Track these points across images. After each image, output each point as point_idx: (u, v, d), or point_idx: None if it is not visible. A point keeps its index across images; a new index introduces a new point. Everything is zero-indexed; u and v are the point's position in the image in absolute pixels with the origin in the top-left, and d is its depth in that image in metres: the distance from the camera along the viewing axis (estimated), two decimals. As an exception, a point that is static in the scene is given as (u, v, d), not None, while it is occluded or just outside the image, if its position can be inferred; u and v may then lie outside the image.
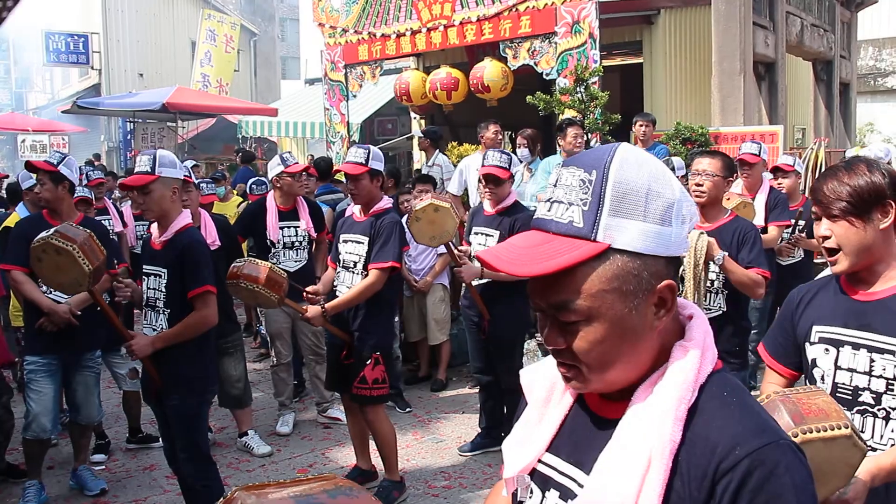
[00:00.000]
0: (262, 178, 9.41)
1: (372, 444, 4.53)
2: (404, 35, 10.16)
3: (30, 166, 4.54)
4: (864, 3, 14.77)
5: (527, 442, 1.24)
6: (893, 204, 2.01)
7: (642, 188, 1.04)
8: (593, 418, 1.18)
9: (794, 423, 1.62)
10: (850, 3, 14.37)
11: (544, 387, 1.25)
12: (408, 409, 5.95)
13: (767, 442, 1.01)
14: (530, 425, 1.25)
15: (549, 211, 1.08)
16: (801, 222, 5.55)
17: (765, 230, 5.15)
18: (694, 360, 1.08)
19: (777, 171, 5.74)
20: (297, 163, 5.55)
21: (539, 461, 1.22)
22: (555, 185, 1.09)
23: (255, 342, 7.98)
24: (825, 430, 1.61)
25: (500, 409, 5.02)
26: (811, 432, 1.60)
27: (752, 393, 1.22)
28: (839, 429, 1.62)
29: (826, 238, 2.05)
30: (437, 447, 5.25)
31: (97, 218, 6.45)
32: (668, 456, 1.03)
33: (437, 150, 7.67)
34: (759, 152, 5.53)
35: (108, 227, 6.89)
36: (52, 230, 3.41)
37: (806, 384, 2.20)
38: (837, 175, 2.04)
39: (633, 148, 1.09)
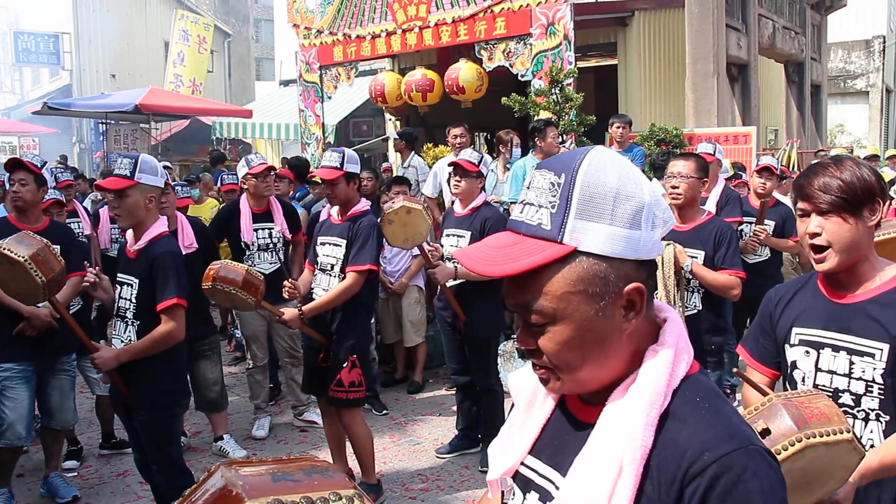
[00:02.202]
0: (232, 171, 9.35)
1: (349, 448, 4.50)
2: (379, 36, 10.14)
3: (16, 163, 4.33)
4: (834, 7, 15.01)
5: (510, 445, 1.25)
6: (880, 202, 2.01)
7: (610, 191, 1.05)
8: (572, 421, 1.18)
9: (798, 428, 1.61)
10: (821, 7, 14.59)
11: (528, 390, 1.26)
12: (384, 412, 5.93)
13: (736, 447, 1.01)
14: (515, 428, 1.26)
15: (521, 213, 1.10)
16: (771, 222, 5.65)
17: None
18: (666, 364, 1.08)
19: (765, 171, 5.88)
20: (262, 163, 5.46)
21: (522, 464, 1.23)
22: (528, 188, 1.11)
23: (230, 346, 7.91)
24: (828, 435, 1.62)
25: (477, 410, 5.01)
26: (815, 437, 1.60)
27: (735, 396, 1.22)
28: (841, 433, 1.63)
29: (816, 234, 2.00)
30: (414, 449, 5.24)
31: (67, 220, 6.38)
32: (639, 461, 1.03)
33: (413, 152, 7.66)
34: (714, 152, 5.85)
35: (78, 231, 6.80)
36: (5, 240, 3.29)
37: (785, 385, 2.21)
38: (828, 170, 2.00)
39: (605, 151, 1.10)
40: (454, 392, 5.36)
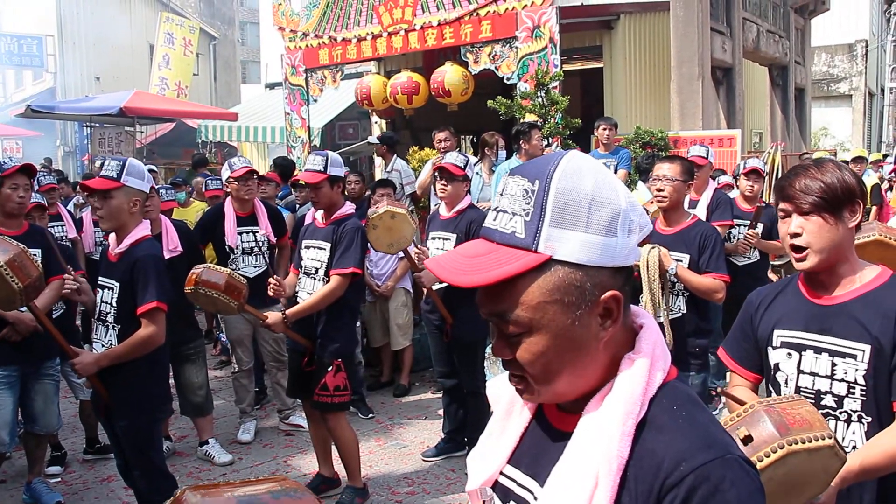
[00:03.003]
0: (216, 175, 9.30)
1: (334, 451, 4.49)
2: (365, 39, 10.12)
3: (25, 169, 4.28)
4: (817, 11, 15.13)
5: (489, 454, 1.23)
6: (861, 204, 2.03)
7: (585, 198, 1.03)
8: (550, 430, 1.17)
9: (780, 434, 1.61)
10: (804, 11, 14.70)
11: (506, 399, 1.24)
12: (370, 415, 5.91)
13: (714, 457, 0.99)
14: (493, 437, 1.24)
15: (494, 220, 1.07)
16: (759, 224, 5.68)
17: None
18: (642, 372, 1.06)
19: (753, 174, 5.93)
20: (244, 167, 5.42)
21: (501, 473, 1.21)
22: (501, 195, 1.08)
23: (216, 349, 7.87)
24: (810, 441, 1.62)
25: (464, 413, 5.01)
26: (797, 443, 1.61)
27: (721, 399, 1.22)
28: (823, 439, 1.63)
29: (796, 235, 2.02)
30: (400, 453, 5.22)
31: (51, 224, 6.33)
32: (615, 472, 1.02)
33: (395, 155, 7.64)
34: (707, 155, 5.93)
35: (62, 234, 6.75)
36: None
37: (768, 388, 2.22)
38: (809, 172, 2.01)
39: (580, 157, 1.08)
40: (440, 395, 5.36)
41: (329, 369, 4.14)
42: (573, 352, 1.06)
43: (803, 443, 1.60)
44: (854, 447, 2.01)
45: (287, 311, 4.16)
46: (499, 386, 1.26)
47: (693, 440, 1.02)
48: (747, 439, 1.57)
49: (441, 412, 5.34)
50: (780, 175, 9.99)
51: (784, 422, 1.63)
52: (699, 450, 1.00)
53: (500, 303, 1.05)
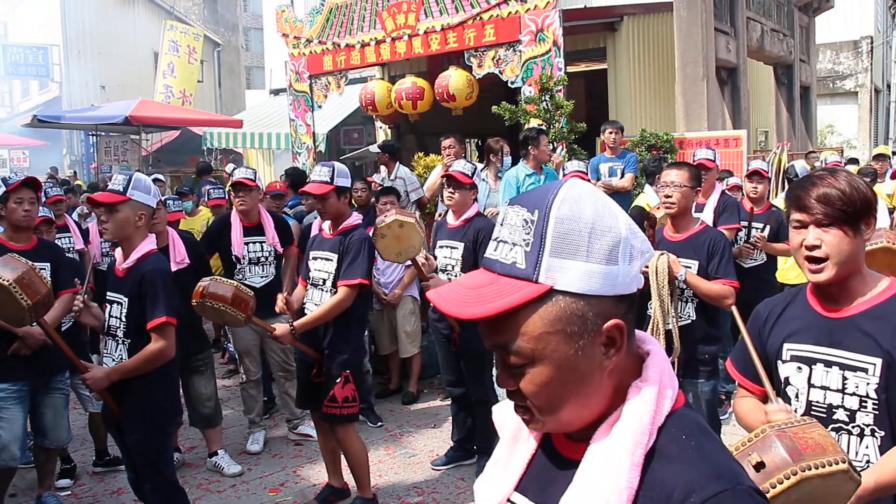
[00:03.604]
0: (219, 184, 9.32)
1: (344, 462, 4.48)
2: (369, 45, 10.14)
3: (30, 182, 4.31)
4: (821, 9, 15.07)
5: (496, 481, 1.22)
6: (875, 216, 1.99)
7: (585, 228, 1.02)
8: (558, 458, 1.16)
9: (793, 460, 1.59)
10: (808, 9, 14.65)
11: (513, 425, 1.23)
12: (379, 424, 5.90)
13: (725, 488, 0.98)
14: (500, 464, 1.23)
15: (495, 251, 1.06)
16: (765, 226, 5.66)
17: None
18: (650, 401, 1.05)
19: (755, 175, 5.90)
20: (240, 178, 5.37)
21: (508, 501, 1.20)
22: (501, 224, 1.07)
23: (224, 358, 7.88)
24: (823, 467, 1.60)
25: (473, 421, 5.00)
26: (810, 469, 1.58)
27: (730, 402, 1.20)
28: (837, 464, 1.61)
29: (815, 247, 1.96)
30: (409, 462, 5.21)
31: (58, 236, 6.34)
32: (624, 503, 1.01)
33: (398, 163, 7.63)
34: (714, 158, 5.88)
35: (69, 246, 6.76)
36: None
37: (778, 401, 2.19)
38: (826, 181, 1.95)
39: (579, 185, 1.06)
40: (449, 402, 5.34)
41: (337, 381, 4.13)
42: (577, 382, 1.05)
43: (816, 468, 1.58)
44: (868, 461, 1.98)
45: (295, 323, 4.15)
46: (504, 411, 1.25)
47: (703, 470, 1.01)
48: (759, 465, 1.55)
49: (450, 419, 5.32)
50: (786, 175, 9.95)
51: (797, 447, 1.61)
52: (709, 480, 0.99)
53: (503, 334, 1.04)
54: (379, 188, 6.71)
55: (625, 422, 1.05)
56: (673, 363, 3.92)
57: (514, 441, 1.22)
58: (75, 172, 20.81)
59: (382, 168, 7.81)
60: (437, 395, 6.53)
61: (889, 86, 26.64)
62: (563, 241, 1.01)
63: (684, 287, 3.92)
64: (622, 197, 7.18)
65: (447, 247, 4.70)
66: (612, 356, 1.05)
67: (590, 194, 1.05)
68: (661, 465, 1.02)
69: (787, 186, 9.96)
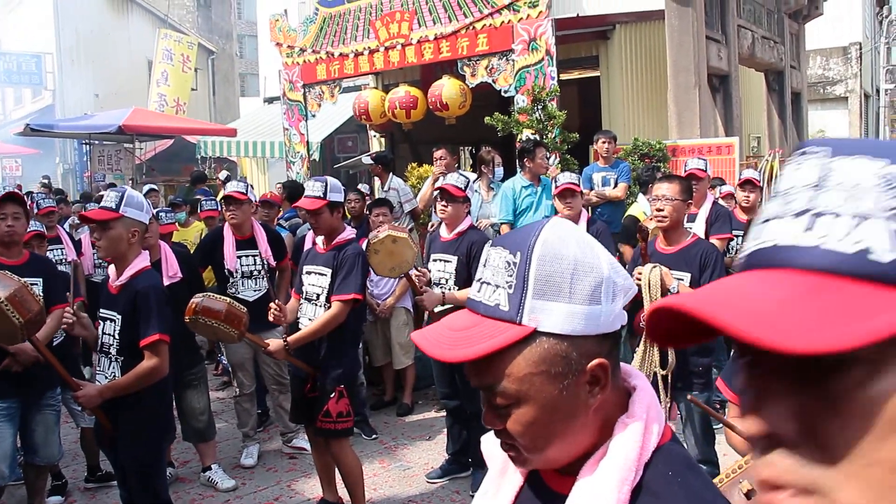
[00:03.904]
0: (211, 195, 9.30)
1: (339, 476, 4.47)
2: (362, 54, 10.14)
3: (9, 197, 4.27)
4: (811, 16, 15.14)
5: None
6: None
7: (567, 269, 1.03)
8: (546, 491, 1.16)
9: None
10: (798, 16, 14.72)
11: (501, 457, 1.22)
12: (374, 436, 5.89)
13: None
14: (488, 496, 1.23)
15: (478, 292, 1.07)
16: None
17: None
18: (636, 437, 1.06)
19: (748, 184, 5.93)
20: (231, 192, 5.39)
21: None
22: (484, 265, 1.08)
23: (217, 370, 7.86)
24: None
25: (468, 434, 4.99)
26: None
27: (725, 411, 1.20)
28: None
29: None
30: (404, 475, 5.20)
31: (50, 248, 6.32)
32: None
33: (391, 174, 7.64)
34: (706, 168, 5.88)
35: (62, 257, 6.73)
36: None
37: None
38: None
39: (560, 225, 1.07)
40: (444, 414, 5.34)
41: (332, 396, 4.13)
42: (563, 421, 1.06)
43: None
44: None
45: (288, 338, 4.15)
46: (493, 443, 1.25)
47: None
48: (750, 493, 1.55)
49: (444, 431, 5.31)
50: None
51: None
52: None
53: (488, 375, 1.05)
54: (372, 200, 6.72)
55: (611, 458, 1.05)
56: (667, 376, 3.94)
57: (503, 473, 1.23)
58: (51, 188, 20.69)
59: (376, 179, 7.82)
60: (432, 407, 6.52)
61: (878, 91, 26.78)
62: (545, 283, 1.02)
63: (677, 300, 3.93)
64: (616, 206, 7.19)
65: (440, 260, 4.70)
66: (597, 394, 1.06)
67: (571, 235, 1.06)
68: (648, 501, 1.03)
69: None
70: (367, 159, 9.52)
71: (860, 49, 22.71)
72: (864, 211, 0.58)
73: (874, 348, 0.54)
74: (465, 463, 5.03)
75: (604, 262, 1.05)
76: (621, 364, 1.14)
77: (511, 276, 1.03)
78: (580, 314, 1.02)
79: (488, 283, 1.06)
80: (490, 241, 1.13)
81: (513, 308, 1.02)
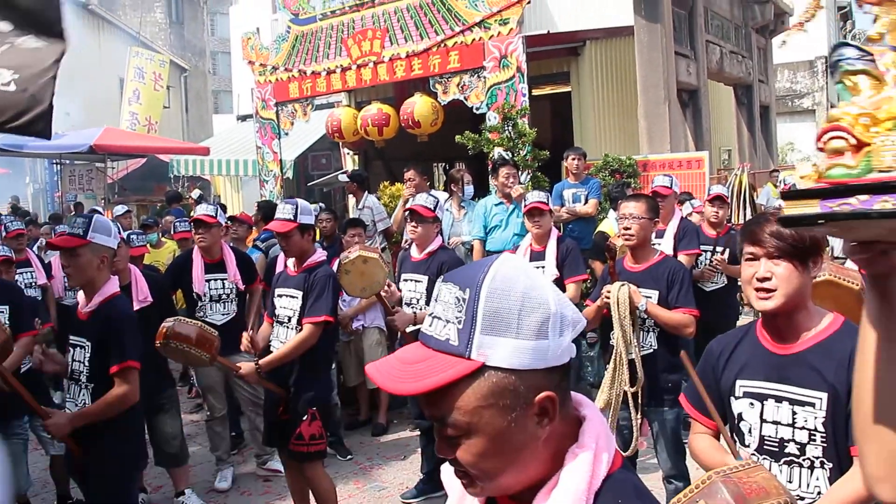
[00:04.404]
0: (184, 214, 9.25)
1: (313, 499, 4.44)
2: (335, 72, 10.16)
3: None
4: (777, 30, 15.42)
5: None
6: (822, 257, 2.12)
7: (514, 306, 1.05)
8: None
9: None
10: (765, 30, 14.98)
11: (458, 485, 1.24)
12: (349, 457, 5.87)
13: None
14: None
15: (430, 326, 1.10)
16: (725, 249, 5.79)
17: None
18: (585, 466, 1.09)
19: (717, 200, 6.02)
20: (201, 215, 5.38)
21: None
22: (436, 300, 1.11)
23: (191, 393, 7.79)
24: None
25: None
26: None
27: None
28: None
29: (766, 279, 2.09)
30: (379, 496, 5.18)
31: (19, 270, 6.25)
32: None
33: (366, 192, 7.66)
34: (671, 185, 5.93)
35: (31, 281, 6.66)
36: None
37: (732, 436, 2.25)
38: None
39: (508, 262, 1.10)
40: (418, 434, 5.33)
41: (304, 418, 4.11)
42: (512, 451, 1.08)
43: None
44: (818, 493, 2.06)
45: (260, 361, 4.13)
46: (451, 472, 1.28)
47: None
48: None
49: (420, 450, 5.31)
50: (747, 196, 10.14)
51: (741, 492, 1.67)
52: None
53: (438, 407, 1.08)
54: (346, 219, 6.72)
55: (562, 488, 1.08)
56: (637, 393, 3.97)
57: (461, 500, 1.25)
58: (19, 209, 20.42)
59: (350, 197, 7.83)
60: (406, 426, 6.50)
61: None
62: (493, 319, 1.05)
63: (645, 317, 3.98)
64: (586, 223, 7.25)
65: (412, 280, 4.72)
66: (546, 425, 1.09)
67: (519, 272, 1.09)
68: None
69: (752, 207, 10.16)
70: (343, 177, 9.52)
71: (826, 62, 23.15)
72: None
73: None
74: (439, 482, 5.00)
75: (551, 298, 1.08)
76: (572, 393, 1.17)
77: (460, 311, 1.06)
78: (527, 349, 1.05)
79: (439, 318, 1.09)
80: (442, 277, 1.16)
81: (462, 343, 1.05)
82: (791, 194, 0.97)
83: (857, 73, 0.98)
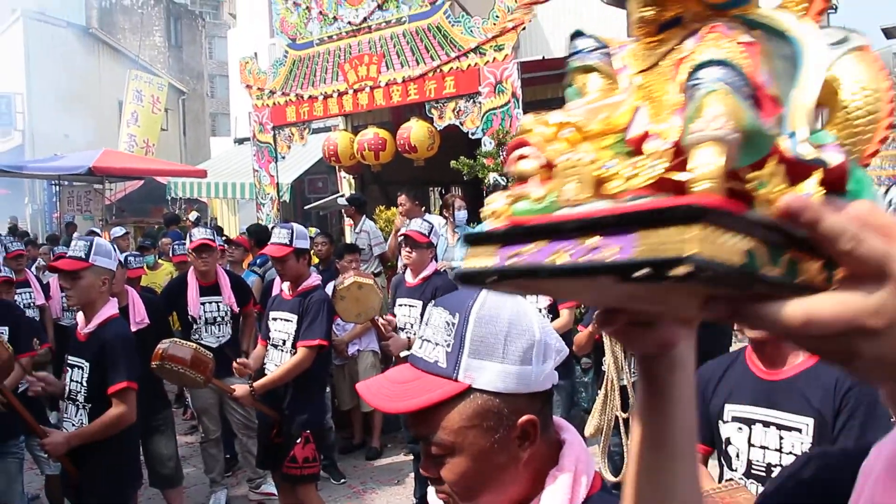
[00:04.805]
0: (181, 237, 9.28)
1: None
2: (331, 96, 10.26)
3: None
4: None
5: None
6: None
7: (501, 332, 1.12)
8: None
9: None
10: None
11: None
12: (343, 480, 5.87)
13: None
14: None
15: (420, 348, 1.17)
16: None
17: None
18: (565, 489, 1.13)
19: None
20: (201, 239, 5.43)
21: None
22: (426, 324, 1.17)
23: (186, 415, 7.79)
24: None
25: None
26: None
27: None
28: None
29: None
30: (372, 519, 5.20)
31: (18, 290, 6.28)
32: None
33: (364, 217, 7.73)
34: None
35: (30, 301, 6.70)
36: None
37: (720, 461, 2.30)
38: None
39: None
40: (413, 458, 5.35)
41: (298, 441, 4.14)
42: (493, 472, 1.13)
43: None
44: None
45: (254, 384, 4.17)
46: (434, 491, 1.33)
47: None
48: None
49: (413, 475, 5.32)
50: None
51: None
52: None
53: (425, 426, 1.14)
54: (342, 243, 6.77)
55: None
56: (628, 419, 4.01)
57: None
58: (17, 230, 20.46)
59: (348, 220, 7.88)
60: (400, 450, 6.50)
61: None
62: (480, 344, 1.11)
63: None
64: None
65: (406, 305, 4.76)
66: (527, 448, 1.14)
67: (507, 299, 1.15)
68: None
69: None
70: (341, 201, 9.58)
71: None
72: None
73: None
74: (432, 506, 5.03)
75: (536, 326, 1.14)
76: (554, 417, 1.22)
77: (450, 335, 1.13)
78: (512, 374, 1.11)
79: (429, 341, 1.15)
80: (433, 302, 1.22)
81: (450, 365, 1.12)
82: (472, 238, 0.65)
83: (589, 70, 0.72)
